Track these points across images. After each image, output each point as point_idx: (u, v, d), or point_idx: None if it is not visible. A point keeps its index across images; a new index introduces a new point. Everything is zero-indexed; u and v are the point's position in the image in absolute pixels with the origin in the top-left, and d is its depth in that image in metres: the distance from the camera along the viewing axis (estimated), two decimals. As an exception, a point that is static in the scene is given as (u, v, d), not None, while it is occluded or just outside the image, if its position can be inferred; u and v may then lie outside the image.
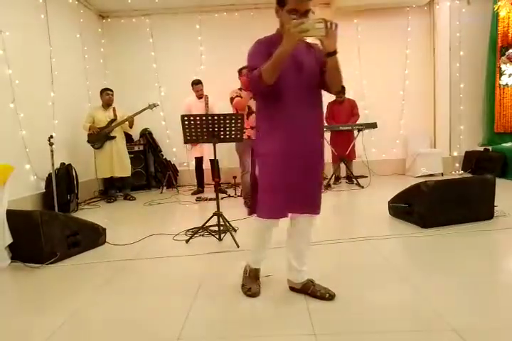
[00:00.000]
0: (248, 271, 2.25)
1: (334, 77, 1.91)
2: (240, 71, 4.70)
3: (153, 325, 1.90)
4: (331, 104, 6.06)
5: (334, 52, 1.81)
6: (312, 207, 2.04)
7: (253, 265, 2.24)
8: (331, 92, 2.03)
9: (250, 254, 2.26)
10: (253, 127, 4.56)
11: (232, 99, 4.55)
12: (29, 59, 4.60)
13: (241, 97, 4.48)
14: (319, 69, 1.94)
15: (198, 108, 5.48)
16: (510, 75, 6.33)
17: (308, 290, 2.12)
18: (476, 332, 1.68)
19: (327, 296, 2.05)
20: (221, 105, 5.40)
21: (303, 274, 2.16)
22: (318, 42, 1.84)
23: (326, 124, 5.91)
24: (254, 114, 4.57)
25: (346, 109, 6.02)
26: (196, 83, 5.61)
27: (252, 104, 4.59)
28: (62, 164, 4.78)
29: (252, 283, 2.19)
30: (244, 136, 4.43)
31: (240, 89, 4.61)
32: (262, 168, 2.00)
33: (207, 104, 5.51)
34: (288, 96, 1.90)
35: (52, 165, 4.24)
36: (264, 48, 1.87)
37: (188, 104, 5.63)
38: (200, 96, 5.59)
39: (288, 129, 1.91)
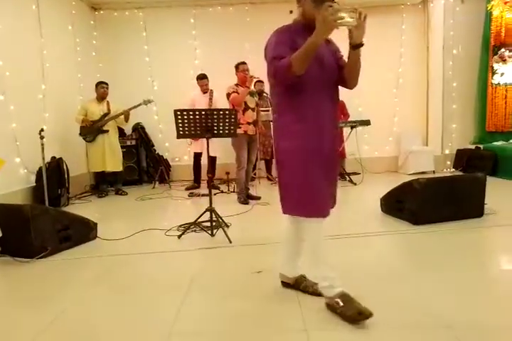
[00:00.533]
0: (340, 302, 1.83)
1: (355, 70, 1.87)
2: (236, 67, 4.66)
3: (144, 321, 1.89)
4: None
5: (361, 44, 1.77)
6: (335, 200, 2.04)
7: (333, 292, 1.86)
8: (348, 88, 1.97)
9: (321, 282, 1.91)
10: (250, 122, 4.57)
11: (228, 95, 4.52)
12: (20, 50, 4.52)
13: (238, 93, 4.46)
14: (336, 64, 1.92)
15: (201, 102, 5.43)
16: (502, 74, 6.38)
17: (300, 285, 2.12)
18: (467, 329, 1.70)
19: (319, 292, 2.05)
20: (220, 99, 5.42)
21: (297, 269, 2.16)
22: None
23: None
24: (250, 110, 4.60)
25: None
26: (201, 78, 5.55)
27: (249, 100, 4.58)
28: (53, 158, 4.73)
29: (353, 306, 1.80)
30: (241, 131, 4.45)
31: (237, 84, 4.58)
32: (298, 164, 1.84)
33: (211, 98, 5.46)
34: (313, 90, 1.84)
35: (43, 158, 4.19)
36: (287, 37, 1.82)
37: (193, 98, 5.60)
38: (205, 91, 5.55)
39: (318, 122, 1.85)
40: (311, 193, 1.83)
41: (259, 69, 5.24)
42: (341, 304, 1.82)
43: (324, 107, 1.88)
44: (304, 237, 2.03)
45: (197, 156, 5.69)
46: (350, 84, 1.94)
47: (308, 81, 1.81)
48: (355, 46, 1.77)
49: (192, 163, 5.83)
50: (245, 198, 4.58)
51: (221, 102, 5.42)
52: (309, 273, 2.09)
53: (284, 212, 1.99)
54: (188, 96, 5.67)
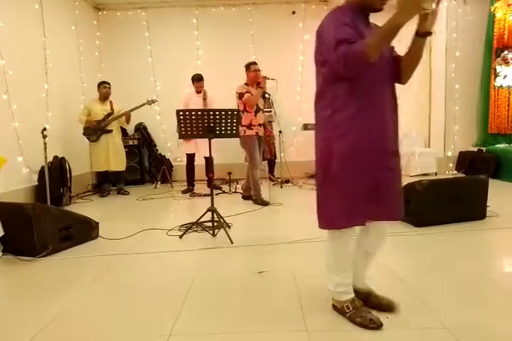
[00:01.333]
0: (350, 306, 1.78)
1: (416, 61, 1.70)
2: (247, 66, 4.58)
3: (145, 320, 1.89)
4: None
5: (431, 33, 1.60)
6: (397, 211, 1.78)
7: (345, 296, 1.80)
8: (401, 83, 1.78)
9: (334, 286, 1.82)
10: (261, 124, 4.58)
11: (241, 95, 4.42)
12: (23, 50, 4.54)
13: (251, 94, 4.42)
14: (390, 56, 1.75)
15: (196, 102, 5.29)
16: (505, 77, 6.38)
17: (370, 297, 1.90)
18: (467, 330, 1.70)
19: (389, 304, 1.86)
20: (223, 100, 5.35)
21: (364, 279, 1.95)
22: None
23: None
24: (261, 111, 4.59)
25: None
26: (199, 79, 5.33)
27: (260, 101, 4.59)
28: (56, 157, 4.74)
29: (365, 312, 1.77)
30: (253, 133, 4.44)
31: (247, 84, 4.52)
32: (347, 166, 1.66)
33: (205, 99, 5.34)
34: (375, 83, 1.65)
35: (45, 158, 4.20)
36: (349, 18, 1.59)
37: (187, 97, 5.41)
38: (199, 91, 5.39)
39: (382, 120, 1.68)
40: (351, 200, 1.67)
41: (263, 69, 5.26)
42: (351, 309, 1.78)
43: (387, 103, 1.71)
44: (369, 247, 1.86)
45: (190, 157, 5.50)
46: (405, 78, 1.75)
47: (371, 73, 1.61)
48: (424, 34, 1.61)
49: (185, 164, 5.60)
50: (263, 199, 4.51)
51: (216, 102, 5.35)
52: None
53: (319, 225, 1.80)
54: (182, 96, 5.46)
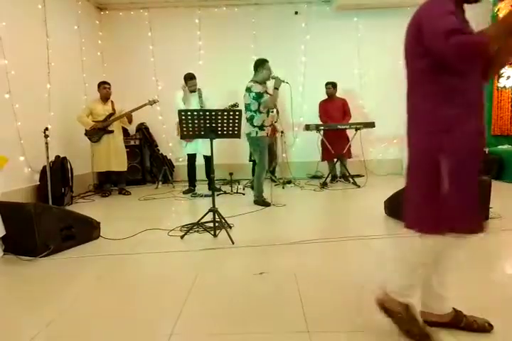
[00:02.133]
0: (403, 311, 1.63)
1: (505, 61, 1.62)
2: (263, 63, 4.38)
3: (146, 321, 1.88)
4: (322, 103, 6.12)
5: None
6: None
7: (405, 299, 1.64)
8: (486, 80, 1.67)
9: (401, 287, 1.66)
10: (270, 125, 4.56)
11: (260, 94, 4.28)
12: (25, 49, 4.55)
13: (270, 94, 4.37)
14: None
15: (192, 102, 5.23)
16: (508, 78, 6.35)
17: (461, 323, 1.70)
18: (468, 333, 1.68)
19: (487, 326, 1.69)
20: (222, 99, 5.31)
21: (449, 302, 1.73)
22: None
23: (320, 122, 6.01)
24: (270, 112, 4.56)
25: (338, 107, 6.08)
26: (192, 78, 5.25)
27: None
28: (57, 157, 4.74)
29: (418, 326, 1.62)
30: (264, 134, 4.40)
31: (256, 82, 4.38)
32: (463, 164, 1.53)
33: (200, 97, 5.25)
34: (476, 79, 1.55)
35: (47, 157, 4.20)
36: (453, 8, 1.48)
37: (183, 97, 5.27)
38: (193, 90, 5.29)
39: (480, 119, 1.57)
40: (470, 201, 1.55)
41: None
42: (403, 317, 1.62)
43: (483, 100, 1.59)
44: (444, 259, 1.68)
45: (191, 158, 5.47)
46: (490, 74, 1.65)
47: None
48: None
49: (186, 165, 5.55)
50: (264, 200, 4.49)
51: (215, 101, 5.32)
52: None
53: (412, 227, 1.71)
54: (178, 101, 5.27)
